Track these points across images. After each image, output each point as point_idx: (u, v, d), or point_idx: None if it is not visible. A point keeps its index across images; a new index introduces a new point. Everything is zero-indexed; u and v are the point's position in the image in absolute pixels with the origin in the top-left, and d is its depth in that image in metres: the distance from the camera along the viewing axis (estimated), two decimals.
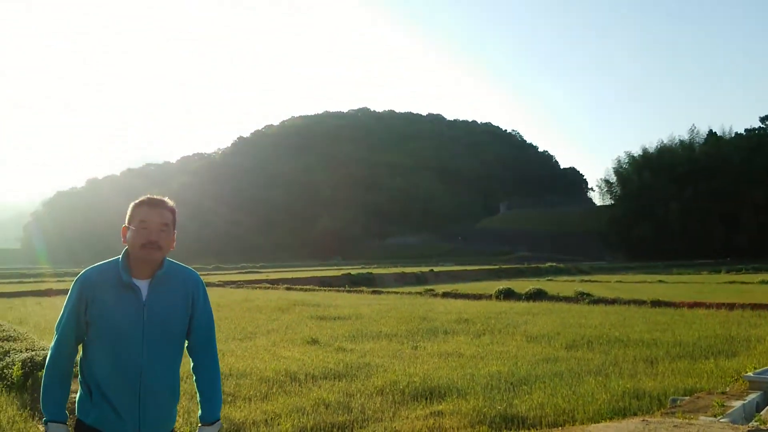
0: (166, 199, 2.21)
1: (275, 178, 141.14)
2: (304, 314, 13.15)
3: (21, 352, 7.16)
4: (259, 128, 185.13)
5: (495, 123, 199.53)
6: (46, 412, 2.11)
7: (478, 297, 17.90)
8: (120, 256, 2.16)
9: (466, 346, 8.27)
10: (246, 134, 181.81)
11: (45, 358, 6.89)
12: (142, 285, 2.12)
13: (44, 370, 2.17)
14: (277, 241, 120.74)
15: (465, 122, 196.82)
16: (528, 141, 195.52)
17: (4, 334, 8.91)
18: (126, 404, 2.05)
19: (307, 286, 25.63)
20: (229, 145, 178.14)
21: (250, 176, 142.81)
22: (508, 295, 17.14)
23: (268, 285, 27.17)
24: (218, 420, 2.22)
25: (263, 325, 11.13)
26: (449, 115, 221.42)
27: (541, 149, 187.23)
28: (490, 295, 17.58)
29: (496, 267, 44.59)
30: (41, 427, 4.88)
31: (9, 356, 7.04)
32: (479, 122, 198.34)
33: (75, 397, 2.19)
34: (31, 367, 6.32)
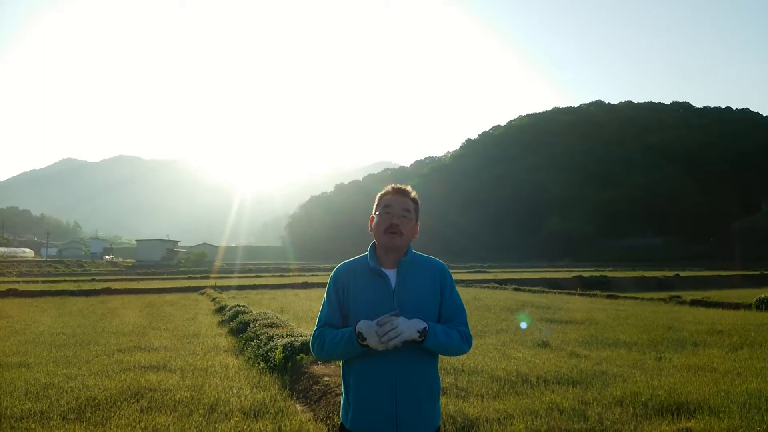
0: (409, 188, 2.28)
1: (503, 178, 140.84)
2: (533, 316, 12.96)
3: (282, 337, 8.08)
4: (487, 129, 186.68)
5: (753, 109, 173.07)
6: (349, 334, 2.08)
7: (734, 306, 16.02)
8: (368, 249, 2.26)
9: (720, 360, 7.36)
10: (473, 136, 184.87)
11: (303, 344, 7.71)
12: (390, 273, 2.18)
13: (316, 348, 2.20)
14: (505, 242, 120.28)
15: (717, 109, 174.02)
16: None
17: (269, 321, 10.25)
18: (381, 396, 2.08)
19: (536, 288, 25.15)
20: (458, 147, 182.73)
21: (478, 177, 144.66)
22: None
23: (496, 285, 27.29)
24: (423, 328, 2.04)
25: (492, 325, 11.22)
26: (698, 103, 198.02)
27: None
28: (749, 305, 15.63)
29: (757, 273, 39.61)
30: (299, 407, 5.53)
31: (273, 341, 8.02)
32: (734, 108, 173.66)
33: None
34: (291, 351, 7.08)
